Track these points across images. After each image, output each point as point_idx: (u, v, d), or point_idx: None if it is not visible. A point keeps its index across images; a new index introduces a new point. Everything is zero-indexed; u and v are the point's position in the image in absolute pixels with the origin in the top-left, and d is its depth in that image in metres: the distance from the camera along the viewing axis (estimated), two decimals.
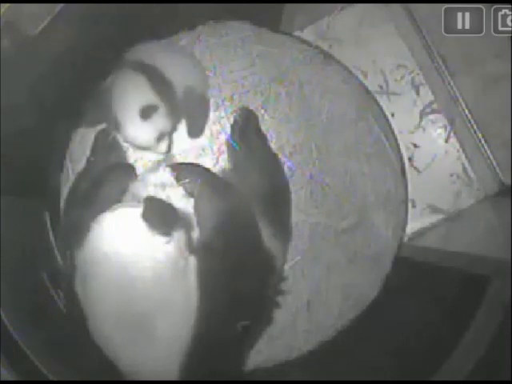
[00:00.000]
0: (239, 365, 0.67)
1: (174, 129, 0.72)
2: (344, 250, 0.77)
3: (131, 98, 0.67)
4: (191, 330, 0.55)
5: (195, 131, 0.75)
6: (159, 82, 0.68)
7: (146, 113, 0.67)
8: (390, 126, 0.80)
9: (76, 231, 0.59)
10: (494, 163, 0.78)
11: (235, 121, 0.76)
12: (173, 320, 0.56)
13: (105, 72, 0.78)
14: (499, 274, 0.57)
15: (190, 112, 0.73)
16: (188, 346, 0.56)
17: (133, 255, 0.55)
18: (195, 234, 0.59)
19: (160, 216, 0.56)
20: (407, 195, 0.79)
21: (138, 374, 0.58)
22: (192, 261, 0.57)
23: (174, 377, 0.57)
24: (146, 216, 0.55)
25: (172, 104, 0.69)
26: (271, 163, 0.75)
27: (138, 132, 0.67)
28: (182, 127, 0.74)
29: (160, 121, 0.68)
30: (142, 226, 0.55)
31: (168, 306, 0.56)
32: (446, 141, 0.81)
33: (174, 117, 0.70)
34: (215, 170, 0.75)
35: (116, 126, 0.68)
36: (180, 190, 0.64)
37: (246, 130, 0.75)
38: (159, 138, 0.68)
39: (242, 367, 0.68)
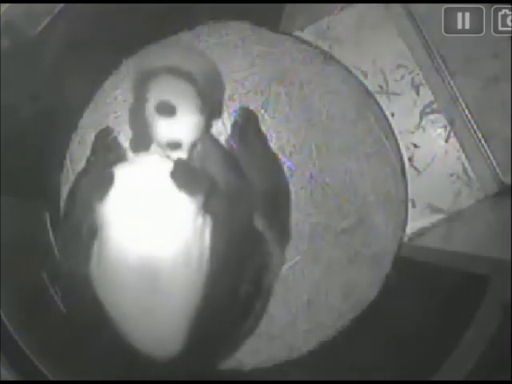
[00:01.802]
0: (241, 336, 0.68)
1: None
2: (344, 249, 0.77)
3: (186, 91, 0.68)
4: (201, 292, 0.57)
5: (217, 112, 0.76)
6: (189, 78, 0.69)
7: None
8: (390, 126, 0.80)
9: (79, 231, 0.61)
10: (494, 163, 0.78)
11: (235, 121, 0.76)
12: (186, 279, 0.57)
13: (105, 72, 0.78)
14: (499, 273, 0.57)
15: (209, 93, 0.73)
16: (197, 307, 0.57)
17: (156, 210, 0.57)
18: (214, 197, 0.61)
19: (188, 177, 0.58)
20: (407, 195, 0.79)
21: (144, 336, 0.59)
22: (208, 221, 0.60)
23: (180, 340, 0.58)
24: (174, 175, 0.57)
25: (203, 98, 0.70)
26: (271, 163, 0.75)
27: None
28: None
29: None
30: (169, 183, 0.57)
31: (184, 263, 0.57)
32: (446, 141, 0.81)
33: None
34: None
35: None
36: None
37: (246, 129, 0.75)
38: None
39: (243, 339, 0.69)
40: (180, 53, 0.75)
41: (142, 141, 0.67)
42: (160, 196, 0.57)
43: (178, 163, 0.59)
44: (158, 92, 0.67)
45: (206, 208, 0.59)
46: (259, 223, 0.66)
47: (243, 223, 0.65)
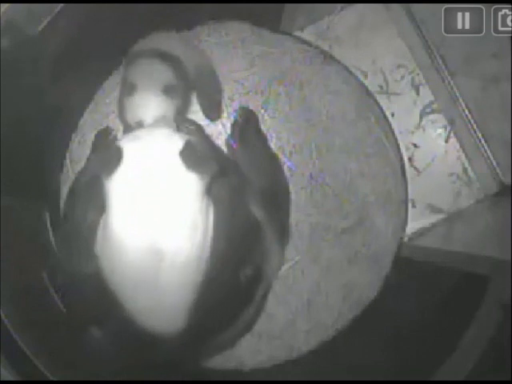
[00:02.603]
0: (240, 320, 0.67)
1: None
2: (344, 249, 0.77)
3: (158, 71, 0.68)
4: (204, 270, 0.57)
5: (212, 111, 0.76)
6: (171, 59, 0.68)
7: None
8: (389, 126, 0.80)
9: (80, 233, 0.61)
10: (494, 163, 0.78)
11: (235, 121, 0.76)
12: (190, 256, 0.57)
13: (105, 72, 0.78)
14: (499, 273, 0.57)
15: (203, 90, 0.73)
16: (200, 284, 0.57)
17: (163, 188, 0.56)
18: (218, 180, 0.60)
19: (197, 156, 0.57)
20: (407, 195, 0.79)
21: (149, 312, 0.58)
22: (211, 203, 0.59)
23: (183, 316, 0.57)
24: (184, 154, 0.56)
25: (186, 83, 0.70)
26: (271, 163, 0.75)
27: None
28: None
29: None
30: (178, 161, 0.56)
31: (188, 243, 0.57)
32: (446, 141, 0.81)
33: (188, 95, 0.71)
34: None
35: None
36: None
37: (246, 129, 0.75)
38: None
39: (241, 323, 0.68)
40: (171, 39, 0.74)
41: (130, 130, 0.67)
42: (168, 174, 0.57)
43: (188, 142, 0.58)
44: (131, 74, 0.68)
45: (210, 190, 0.59)
46: (259, 215, 0.66)
47: (243, 211, 0.65)
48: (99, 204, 0.59)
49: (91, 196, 0.61)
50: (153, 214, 0.56)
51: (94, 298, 0.61)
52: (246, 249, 0.63)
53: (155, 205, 0.56)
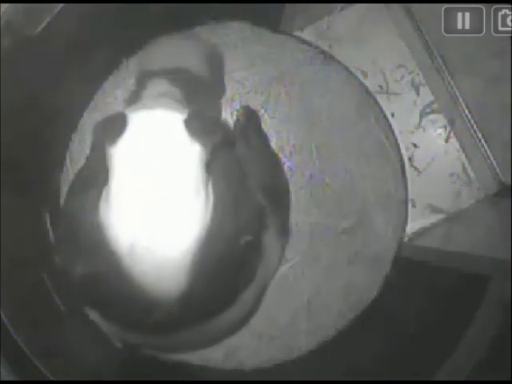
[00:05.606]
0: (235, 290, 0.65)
1: None
2: (344, 249, 0.77)
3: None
4: (204, 234, 0.57)
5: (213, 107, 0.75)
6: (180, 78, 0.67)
7: None
8: (390, 126, 0.80)
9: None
10: (494, 163, 0.78)
11: (237, 120, 0.76)
12: (189, 222, 0.56)
13: (105, 72, 0.79)
14: (499, 273, 0.57)
15: (206, 91, 0.72)
16: (199, 248, 0.56)
17: (166, 156, 0.56)
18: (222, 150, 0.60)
19: (203, 126, 0.56)
20: (407, 195, 0.79)
21: (150, 275, 0.56)
22: (213, 172, 0.59)
23: (184, 278, 0.56)
24: (188, 123, 0.56)
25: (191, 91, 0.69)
26: (272, 163, 0.75)
27: None
28: None
29: None
30: (182, 131, 0.56)
31: (188, 213, 0.56)
32: (446, 141, 0.81)
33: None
34: None
35: None
36: None
37: (248, 128, 0.75)
38: None
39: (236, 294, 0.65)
40: (179, 47, 0.73)
41: None
42: (171, 142, 0.56)
43: (193, 112, 0.57)
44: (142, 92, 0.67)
45: (212, 160, 0.58)
46: (262, 201, 0.66)
47: (243, 185, 0.64)
48: (102, 176, 0.58)
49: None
50: (155, 181, 0.55)
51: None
52: (246, 218, 0.62)
53: (158, 172, 0.55)
